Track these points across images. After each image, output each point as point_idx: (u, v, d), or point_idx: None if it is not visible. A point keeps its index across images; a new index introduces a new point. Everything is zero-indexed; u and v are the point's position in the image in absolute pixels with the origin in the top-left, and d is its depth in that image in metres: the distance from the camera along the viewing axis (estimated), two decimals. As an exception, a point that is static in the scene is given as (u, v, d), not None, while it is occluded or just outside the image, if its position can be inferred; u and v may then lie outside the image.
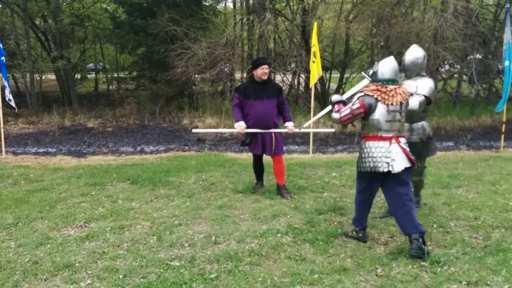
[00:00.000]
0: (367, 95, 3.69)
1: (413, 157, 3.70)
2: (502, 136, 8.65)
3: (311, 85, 8.66)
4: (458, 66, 13.56)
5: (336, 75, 16.56)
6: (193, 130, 6.18)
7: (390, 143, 3.66)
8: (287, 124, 5.31)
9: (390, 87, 3.68)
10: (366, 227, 3.96)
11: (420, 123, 4.39)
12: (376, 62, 3.83)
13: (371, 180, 3.78)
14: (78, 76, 19.74)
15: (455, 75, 14.82)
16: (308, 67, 10.33)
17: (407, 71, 4.38)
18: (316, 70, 8.21)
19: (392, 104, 3.64)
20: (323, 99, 14.23)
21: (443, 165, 6.89)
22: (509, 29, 8.22)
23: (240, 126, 5.08)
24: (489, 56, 13.66)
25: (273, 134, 5.22)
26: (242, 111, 5.18)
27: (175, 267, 3.39)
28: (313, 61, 8.21)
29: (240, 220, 4.43)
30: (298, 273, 3.26)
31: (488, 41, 14.05)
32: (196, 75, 13.29)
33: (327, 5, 15.17)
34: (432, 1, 11.62)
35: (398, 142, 3.68)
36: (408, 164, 3.65)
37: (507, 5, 9.55)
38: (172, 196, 5.28)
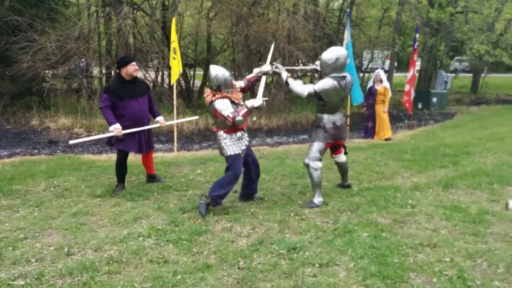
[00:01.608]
0: None
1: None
2: (347, 128, 9.69)
3: (173, 81, 8.51)
4: (310, 65, 14.79)
5: (200, 72, 16.63)
6: (70, 142, 5.46)
7: None
8: (158, 118, 5.48)
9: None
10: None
11: (318, 114, 4.92)
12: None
13: None
14: None
15: (308, 74, 16.13)
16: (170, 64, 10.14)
17: (322, 69, 4.83)
18: (177, 67, 8.08)
19: None
20: (187, 96, 14.16)
21: (299, 157, 7.39)
22: (349, 31, 9.23)
23: (116, 129, 4.96)
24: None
25: (146, 131, 5.29)
26: (114, 112, 5.04)
27: (19, 287, 2.97)
28: (174, 58, 8.07)
29: (98, 227, 4.11)
30: (161, 276, 3.14)
31: (334, 42, 15.59)
32: (47, 71, 11.98)
33: (187, 1, 15.12)
34: (285, 3, 12.40)
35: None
36: None
37: (348, 10, 10.71)
38: (16, 206, 4.65)
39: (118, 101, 5.05)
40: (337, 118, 4.90)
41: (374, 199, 4.98)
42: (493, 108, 16.39)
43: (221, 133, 4.61)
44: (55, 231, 3.98)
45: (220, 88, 4.52)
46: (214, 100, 4.48)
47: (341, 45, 9.62)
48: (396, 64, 20.52)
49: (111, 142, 5.17)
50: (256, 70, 4.92)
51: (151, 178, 5.67)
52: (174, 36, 8.12)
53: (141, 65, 12.69)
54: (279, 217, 4.40)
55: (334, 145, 5.14)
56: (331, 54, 4.71)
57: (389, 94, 9.74)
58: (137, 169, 6.26)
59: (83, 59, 11.90)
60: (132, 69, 5.15)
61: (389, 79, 15.03)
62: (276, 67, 4.90)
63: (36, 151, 8.12)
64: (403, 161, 6.94)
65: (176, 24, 9.66)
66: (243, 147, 4.64)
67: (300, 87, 4.71)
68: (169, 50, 11.77)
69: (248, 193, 4.99)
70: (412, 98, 11.13)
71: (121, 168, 5.32)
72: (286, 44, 11.91)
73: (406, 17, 17.66)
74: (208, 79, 4.70)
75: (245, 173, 4.90)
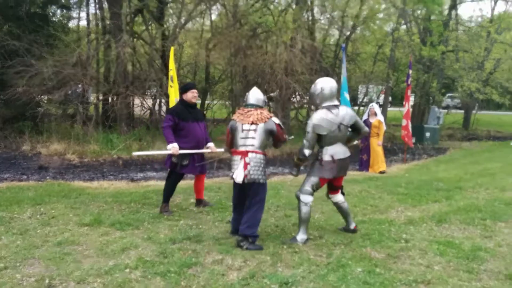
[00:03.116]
0: (232, 119, 4.55)
1: (247, 173, 4.32)
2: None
3: (170, 110, 8.53)
4: (307, 97, 14.95)
5: (198, 101, 16.72)
6: (134, 153, 6.37)
7: (241, 158, 4.37)
8: (209, 144, 5.67)
9: (249, 109, 4.49)
10: (236, 231, 4.50)
11: (319, 147, 4.66)
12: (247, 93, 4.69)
13: (234, 186, 4.56)
14: None
15: (305, 105, 16.28)
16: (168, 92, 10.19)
17: (313, 103, 4.71)
18: (174, 95, 8.10)
19: (245, 124, 4.41)
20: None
21: (294, 188, 7.28)
22: (345, 65, 9.36)
23: (174, 148, 5.21)
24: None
25: (201, 155, 5.62)
26: (178, 132, 5.35)
27: (-5, 321, 2.82)
28: (171, 86, 8.11)
29: (83, 257, 3.96)
30: (146, 311, 3.01)
31: (330, 75, 15.83)
32: (42, 96, 11.99)
33: (187, 32, 15.38)
34: (283, 37, 12.64)
35: (245, 157, 4.35)
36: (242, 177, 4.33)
37: (343, 45, 10.91)
38: (-1, 234, 4.50)
39: (183, 123, 5.37)
40: (336, 151, 4.57)
41: (368, 232, 4.90)
42: (484, 144, 16.52)
43: (262, 156, 4.41)
44: (38, 261, 3.84)
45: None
46: (271, 118, 4.46)
47: (338, 79, 9.76)
48: (390, 98, 20.82)
49: (176, 169, 5.42)
50: None
51: (200, 203, 5.90)
52: (172, 65, 8.19)
53: (138, 93, 12.77)
54: (272, 250, 4.28)
55: (332, 184, 4.78)
56: (316, 85, 4.62)
57: (383, 127, 9.79)
58: (128, 197, 6.16)
59: (79, 85, 11.96)
60: (191, 96, 5.50)
61: (384, 113, 15.18)
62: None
63: (25, 176, 7.99)
64: (397, 195, 6.89)
65: (175, 54, 9.76)
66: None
67: (303, 151, 4.57)
68: (167, 78, 11.90)
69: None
70: (410, 132, 11.18)
71: (173, 189, 5.60)
72: (283, 76, 12.05)
73: (400, 54, 18.10)
74: (251, 98, 4.56)
75: (242, 210, 4.59)
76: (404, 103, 11.29)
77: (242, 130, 4.43)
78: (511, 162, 10.94)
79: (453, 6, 18.20)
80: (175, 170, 5.49)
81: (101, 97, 13.57)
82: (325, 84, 4.59)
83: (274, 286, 3.45)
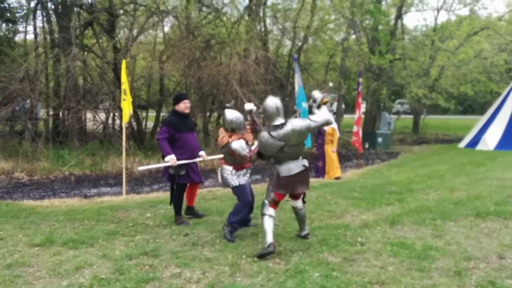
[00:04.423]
0: None
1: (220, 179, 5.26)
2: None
3: (124, 123, 8.40)
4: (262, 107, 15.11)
5: (153, 113, 16.51)
6: (139, 168, 6.32)
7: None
8: (201, 153, 5.75)
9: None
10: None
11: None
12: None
13: None
14: None
15: (261, 115, 16.43)
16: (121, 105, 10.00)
17: None
18: (127, 108, 8.00)
19: None
20: (139, 137, 13.91)
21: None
22: (299, 75, 9.58)
23: (172, 159, 5.34)
24: (286, 99, 15.65)
25: (197, 163, 5.76)
26: (174, 144, 5.45)
27: None
28: (124, 99, 7.99)
29: (35, 279, 3.82)
30: (102, 330, 2.94)
31: (284, 85, 16.12)
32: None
33: (140, 44, 15.20)
34: (236, 48, 12.76)
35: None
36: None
37: (295, 55, 11.17)
38: None
39: (178, 134, 5.48)
40: (286, 168, 4.54)
41: (325, 238, 5.02)
42: (433, 147, 17.28)
43: (230, 168, 5.09)
44: (-14, 285, 3.66)
45: (234, 130, 4.98)
46: (231, 142, 4.92)
47: (292, 89, 9.94)
48: (343, 106, 21.44)
49: (175, 180, 5.54)
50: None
51: (190, 210, 5.97)
52: (124, 78, 8.08)
53: (90, 107, 12.41)
54: (231, 260, 4.31)
55: (292, 195, 4.83)
56: (264, 104, 4.61)
57: (337, 134, 10.07)
58: (81, 214, 5.98)
59: (28, 101, 11.49)
60: (183, 106, 5.60)
61: (337, 120, 15.61)
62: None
63: (-30, 198, 7.56)
64: (352, 199, 7.09)
65: (127, 66, 9.63)
66: (246, 179, 5.16)
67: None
68: (120, 91, 11.65)
69: (243, 221, 5.23)
70: (361, 139, 11.56)
71: (181, 200, 5.70)
72: (238, 87, 12.14)
73: (350, 63, 18.73)
74: (223, 121, 5.11)
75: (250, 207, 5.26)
76: (355, 110, 11.69)
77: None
78: (458, 163, 11.50)
79: (399, 16, 19.07)
80: (174, 181, 5.63)
81: (51, 112, 13.09)
82: (266, 104, 4.56)
83: (233, 296, 3.47)
